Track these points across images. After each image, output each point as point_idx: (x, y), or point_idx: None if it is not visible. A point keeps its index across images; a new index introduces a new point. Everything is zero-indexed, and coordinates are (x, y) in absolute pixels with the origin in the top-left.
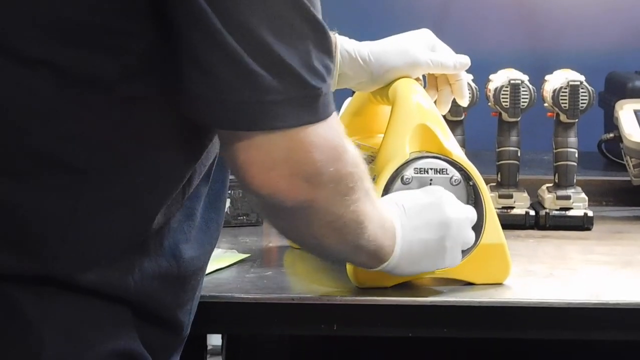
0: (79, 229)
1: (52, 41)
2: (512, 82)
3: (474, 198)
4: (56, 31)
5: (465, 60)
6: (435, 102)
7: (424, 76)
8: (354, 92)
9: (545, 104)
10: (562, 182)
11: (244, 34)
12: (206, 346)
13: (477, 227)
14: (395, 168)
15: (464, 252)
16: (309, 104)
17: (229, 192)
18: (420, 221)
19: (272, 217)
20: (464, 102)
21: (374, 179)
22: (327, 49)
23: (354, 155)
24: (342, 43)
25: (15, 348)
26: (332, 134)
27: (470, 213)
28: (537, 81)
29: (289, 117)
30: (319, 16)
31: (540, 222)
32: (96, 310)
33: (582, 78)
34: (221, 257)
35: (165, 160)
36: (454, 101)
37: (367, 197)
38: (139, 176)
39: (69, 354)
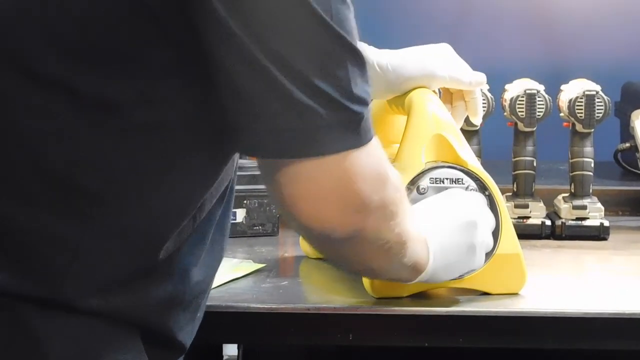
0: (89, 254)
1: (69, 64)
2: (527, 92)
3: (489, 208)
4: (73, 54)
5: (480, 77)
6: None
7: (440, 91)
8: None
9: (561, 114)
10: (578, 192)
11: (284, 63)
12: (222, 356)
13: (494, 237)
14: (411, 178)
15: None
16: (352, 129)
17: (245, 202)
18: (448, 224)
19: (322, 248)
20: (477, 120)
21: None
22: (364, 75)
23: (396, 179)
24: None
25: None
26: (375, 160)
27: (490, 217)
28: (553, 91)
29: (333, 142)
30: (356, 43)
31: (557, 232)
32: (103, 326)
33: (598, 88)
34: (237, 267)
35: (179, 188)
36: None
37: (407, 217)
38: (152, 203)
39: None
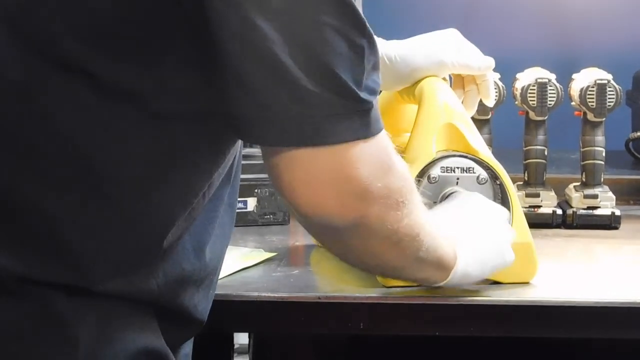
0: (113, 239)
1: (91, 51)
2: (539, 80)
3: (500, 197)
4: (94, 41)
5: (489, 61)
6: (462, 102)
7: (450, 77)
8: (380, 92)
9: (573, 103)
10: (589, 181)
11: (295, 49)
12: (233, 345)
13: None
14: (421, 167)
15: None
16: (361, 119)
17: (256, 190)
18: (474, 222)
19: (326, 239)
20: (490, 102)
21: None
22: (376, 64)
23: (402, 169)
24: None
25: (53, 347)
26: (381, 149)
27: (502, 209)
28: (564, 80)
29: (341, 132)
30: (370, 31)
31: (568, 221)
32: (124, 311)
33: (609, 76)
34: (248, 256)
35: (193, 172)
36: (480, 100)
37: (419, 209)
38: (168, 185)
39: (100, 352)
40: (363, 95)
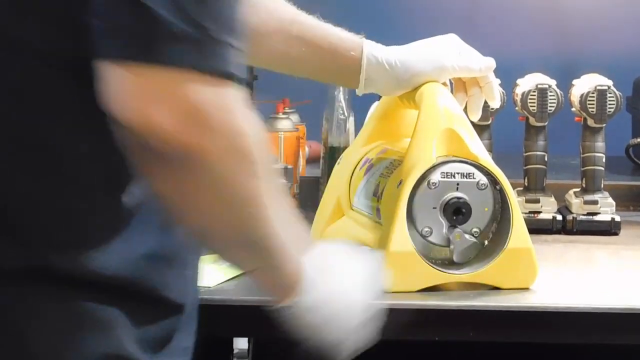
0: (66, 213)
1: (20, 18)
2: (539, 86)
3: (500, 202)
4: (20, 6)
5: (490, 62)
6: (466, 107)
7: (451, 82)
8: (380, 97)
9: (573, 109)
10: (589, 186)
11: None
12: (232, 350)
13: (504, 232)
14: (421, 172)
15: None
16: (197, 48)
17: None
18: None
19: (156, 169)
20: (495, 103)
21: (400, 183)
22: (237, 4)
23: (258, 138)
24: (369, 48)
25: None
26: (225, 93)
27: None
28: (565, 85)
29: (172, 53)
30: None
31: (568, 226)
32: (82, 309)
33: (609, 82)
34: None
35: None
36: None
37: (267, 179)
38: (108, 153)
39: (53, 357)
40: (203, 21)
